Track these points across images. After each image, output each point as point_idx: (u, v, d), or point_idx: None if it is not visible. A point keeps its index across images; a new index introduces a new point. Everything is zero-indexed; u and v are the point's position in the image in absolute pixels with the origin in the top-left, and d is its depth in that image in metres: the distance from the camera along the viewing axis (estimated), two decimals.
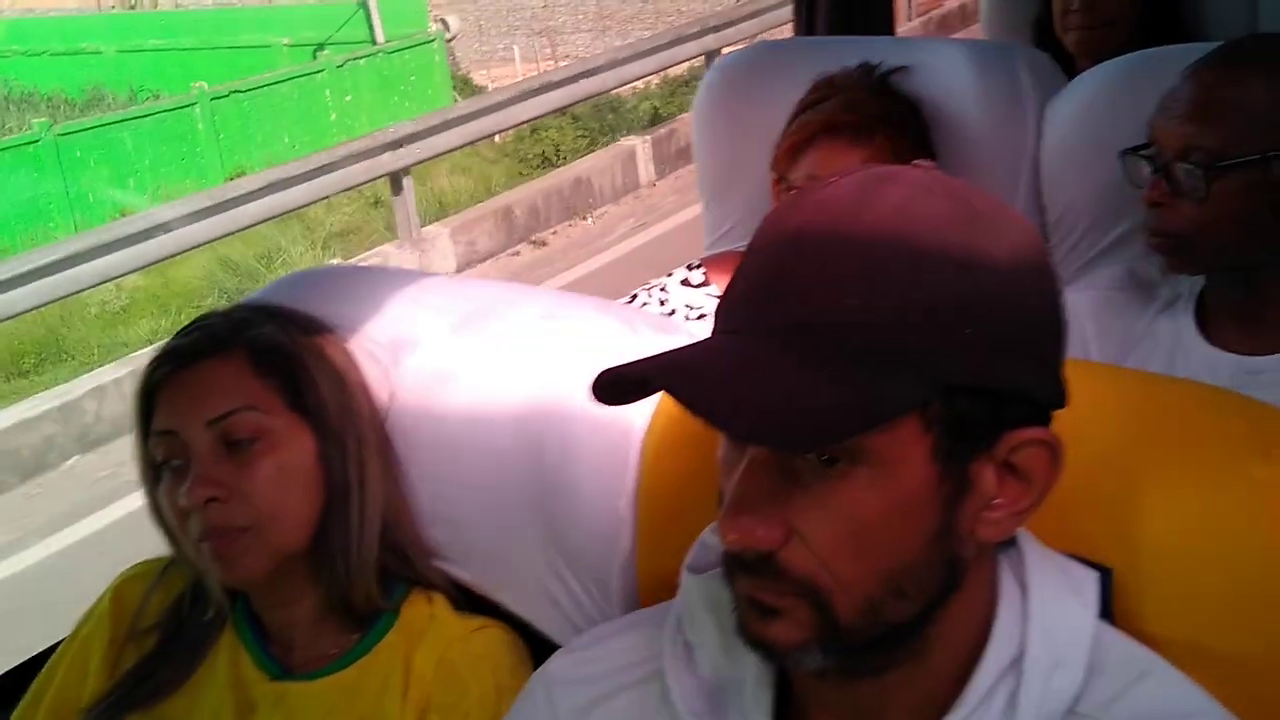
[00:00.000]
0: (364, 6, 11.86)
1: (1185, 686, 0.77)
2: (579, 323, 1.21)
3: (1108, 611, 0.82)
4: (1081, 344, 1.55)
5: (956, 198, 0.75)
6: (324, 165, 6.74)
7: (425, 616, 1.18)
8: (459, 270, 7.19)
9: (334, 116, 10.36)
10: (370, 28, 11.91)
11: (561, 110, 8.54)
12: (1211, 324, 1.47)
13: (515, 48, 12.46)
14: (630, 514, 1.11)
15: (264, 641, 1.19)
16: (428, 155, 7.33)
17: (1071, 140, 1.65)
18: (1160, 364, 1.49)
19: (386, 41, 11.58)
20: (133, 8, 14.64)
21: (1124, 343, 1.52)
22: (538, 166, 8.82)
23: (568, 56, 11.72)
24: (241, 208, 6.42)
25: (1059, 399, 0.77)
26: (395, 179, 7.05)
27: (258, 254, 7.31)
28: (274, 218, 6.78)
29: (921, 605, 0.75)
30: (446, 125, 7.38)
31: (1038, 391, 0.76)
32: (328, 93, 10.44)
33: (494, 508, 1.19)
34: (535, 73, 9.75)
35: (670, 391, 0.71)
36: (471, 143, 7.79)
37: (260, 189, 6.51)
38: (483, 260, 7.46)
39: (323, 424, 1.16)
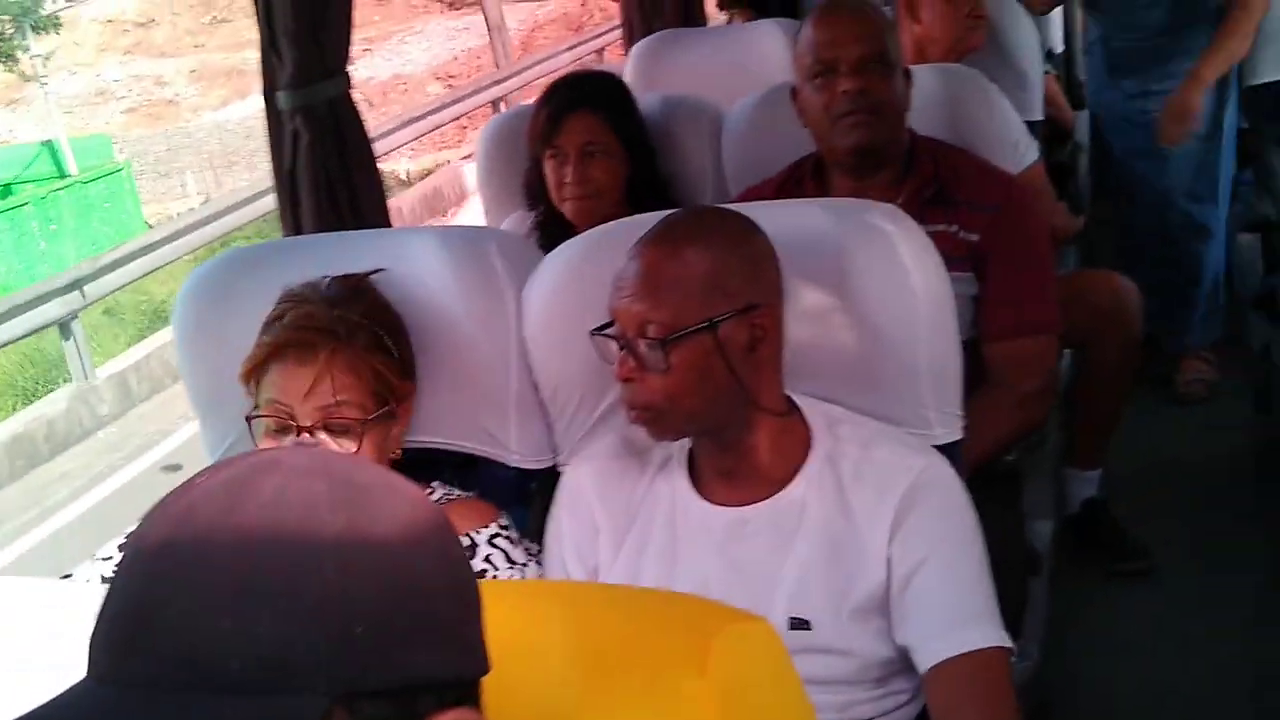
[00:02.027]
0: (49, 145, 13.30)
1: None
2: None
3: None
4: (589, 516, 1.57)
5: (336, 478, 0.70)
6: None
7: None
8: None
9: (43, 245, 11.13)
10: (59, 163, 13.05)
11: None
12: (703, 480, 1.53)
13: (188, 177, 13.76)
14: None
15: None
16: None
17: (550, 318, 1.68)
18: (662, 525, 1.52)
19: (82, 172, 12.62)
20: None
21: (628, 510, 1.55)
22: None
23: (202, 192, 13.04)
24: None
25: (479, 667, 0.73)
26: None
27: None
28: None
29: None
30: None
31: (451, 670, 0.71)
32: (35, 224, 11.19)
33: None
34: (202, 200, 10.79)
35: None
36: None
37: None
38: None
39: None
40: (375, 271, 1.68)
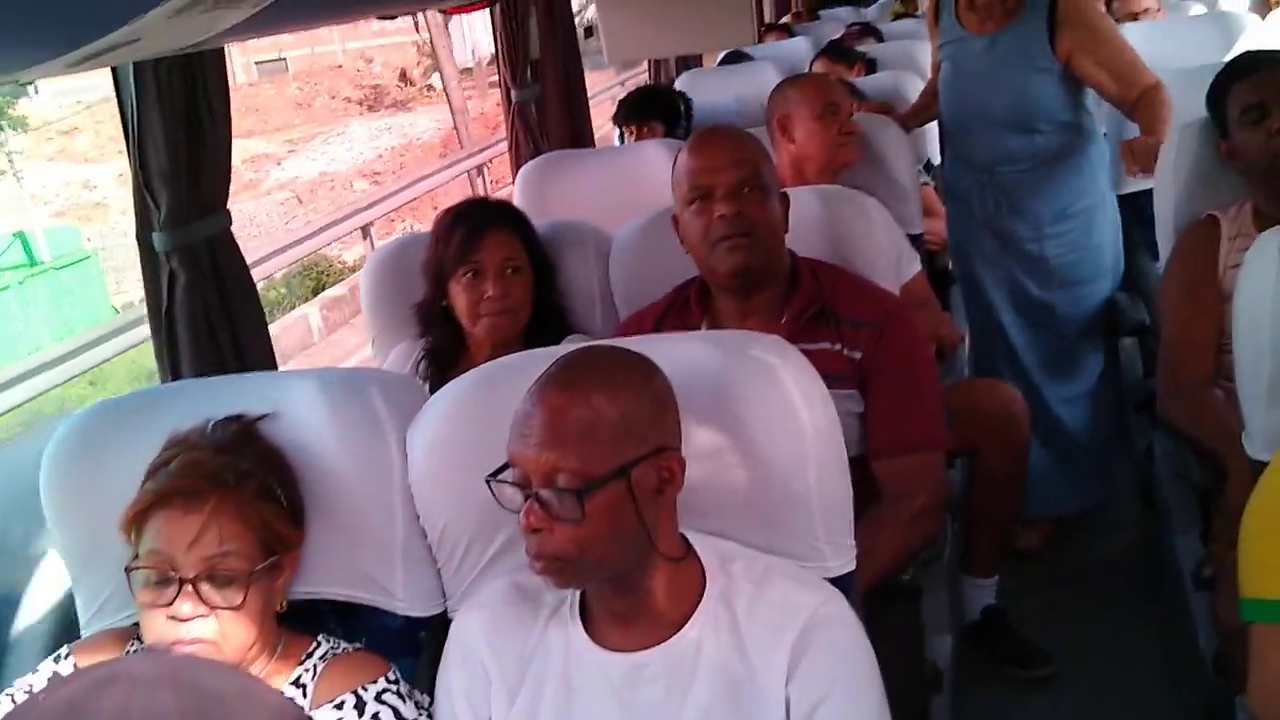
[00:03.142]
0: (20, 235, 14.39)
1: None
2: None
3: None
4: (481, 667, 1.53)
5: (185, 688, 0.66)
6: None
7: None
8: None
9: (21, 326, 12.14)
10: (29, 251, 14.13)
11: None
12: (597, 627, 1.49)
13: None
14: None
15: None
16: None
17: (436, 460, 1.65)
18: (556, 674, 1.48)
19: (54, 260, 13.75)
20: None
21: (520, 659, 1.51)
22: None
23: None
24: None
25: None
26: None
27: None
28: None
29: None
30: None
31: None
32: (14, 306, 12.25)
33: None
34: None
35: None
36: None
37: None
38: None
39: None
40: (263, 416, 1.65)
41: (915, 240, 3.19)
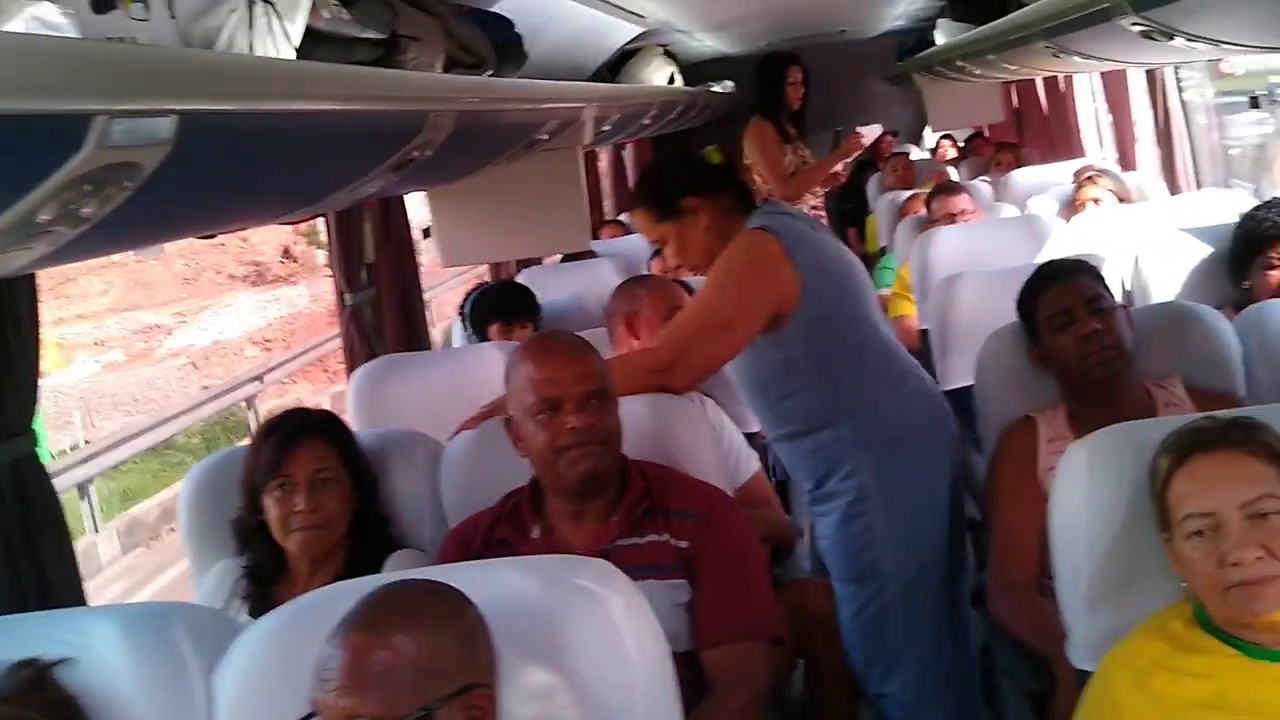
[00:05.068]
0: None
1: None
2: None
3: None
4: None
5: None
6: None
7: None
8: None
9: None
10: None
11: None
12: None
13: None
14: None
15: None
16: None
17: (243, 704, 1.56)
18: None
19: None
20: None
21: None
22: None
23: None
24: None
25: None
26: None
27: None
28: None
29: None
30: None
31: None
32: None
33: None
34: None
35: None
36: None
37: None
38: None
39: None
40: (60, 661, 1.55)
41: (754, 438, 3.22)
